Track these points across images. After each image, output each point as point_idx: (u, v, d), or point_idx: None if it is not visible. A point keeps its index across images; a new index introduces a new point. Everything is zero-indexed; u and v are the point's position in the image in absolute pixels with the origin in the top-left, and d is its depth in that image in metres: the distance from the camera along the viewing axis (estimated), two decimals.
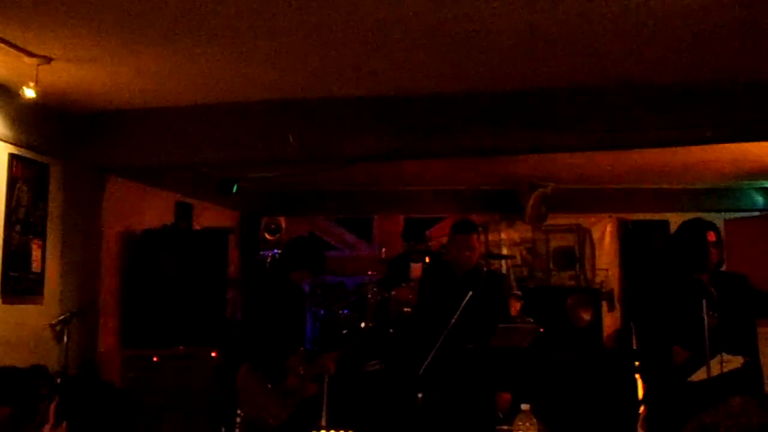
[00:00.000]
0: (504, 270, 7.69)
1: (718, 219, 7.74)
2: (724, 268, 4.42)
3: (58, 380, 4.52)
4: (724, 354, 3.85)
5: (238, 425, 3.72)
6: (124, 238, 5.92)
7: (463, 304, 4.42)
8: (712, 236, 4.13)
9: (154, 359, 5.10)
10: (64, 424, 2.18)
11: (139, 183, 6.18)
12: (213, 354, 5.20)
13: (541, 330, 4.87)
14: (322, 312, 7.10)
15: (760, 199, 8.26)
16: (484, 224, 7.49)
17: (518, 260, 8.19)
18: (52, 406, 2.31)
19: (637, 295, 6.21)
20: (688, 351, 3.93)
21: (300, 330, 4.99)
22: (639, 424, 2.28)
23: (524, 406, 2.89)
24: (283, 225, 8.14)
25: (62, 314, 5.02)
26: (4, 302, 4.78)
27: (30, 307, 5.02)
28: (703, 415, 1.27)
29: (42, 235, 5.12)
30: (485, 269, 4.78)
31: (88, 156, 5.34)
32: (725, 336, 3.89)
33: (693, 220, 4.39)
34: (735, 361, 3.89)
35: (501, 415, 4.21)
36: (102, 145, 5.32)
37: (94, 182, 5.46)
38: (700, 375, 3.82)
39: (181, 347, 5.27)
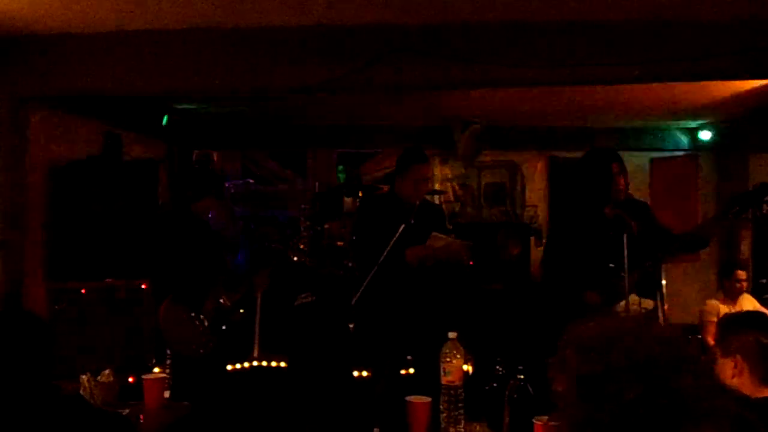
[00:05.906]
0: None
1: (644, 158, 8.05)
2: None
3: None
4: (639, 297, 3.95)
5: (168, 356, 3.72)
6: (50, 170, 5.74)
7: (396, 236, 4.50)
8: (615, 167, 4.09)
9: (82, 291, 5.03)
10: None
11: (65, 113, 5.97)
12: (143, 287, 5.16)
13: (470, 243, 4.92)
14: (255, 246, 7.10)
15: (684, 140, 8.54)
16: None
17: (450, 196, 8.30)
18: None
19: (550, 235, 6.26)
20: (601, 294, 3.96)
21: (217, 259, 4.97)
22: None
23: (452, 335, 2.94)
24: (215, 158, 8.04)
25: None
26: None
27: None
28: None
29: None
30: (418, 201, 4.82)
31: (9, 84, 5.11)
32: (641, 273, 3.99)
33: (594, 150, 4.32)
34: (646, 303, 4.01)
35: None
36: (23, 73, 5.08)
37: (17, 112, 5.24)
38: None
39: (108, 279, 5.21)
